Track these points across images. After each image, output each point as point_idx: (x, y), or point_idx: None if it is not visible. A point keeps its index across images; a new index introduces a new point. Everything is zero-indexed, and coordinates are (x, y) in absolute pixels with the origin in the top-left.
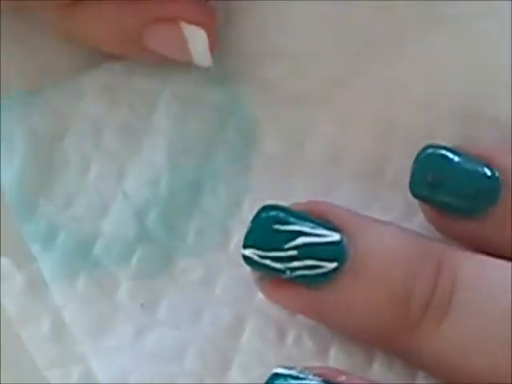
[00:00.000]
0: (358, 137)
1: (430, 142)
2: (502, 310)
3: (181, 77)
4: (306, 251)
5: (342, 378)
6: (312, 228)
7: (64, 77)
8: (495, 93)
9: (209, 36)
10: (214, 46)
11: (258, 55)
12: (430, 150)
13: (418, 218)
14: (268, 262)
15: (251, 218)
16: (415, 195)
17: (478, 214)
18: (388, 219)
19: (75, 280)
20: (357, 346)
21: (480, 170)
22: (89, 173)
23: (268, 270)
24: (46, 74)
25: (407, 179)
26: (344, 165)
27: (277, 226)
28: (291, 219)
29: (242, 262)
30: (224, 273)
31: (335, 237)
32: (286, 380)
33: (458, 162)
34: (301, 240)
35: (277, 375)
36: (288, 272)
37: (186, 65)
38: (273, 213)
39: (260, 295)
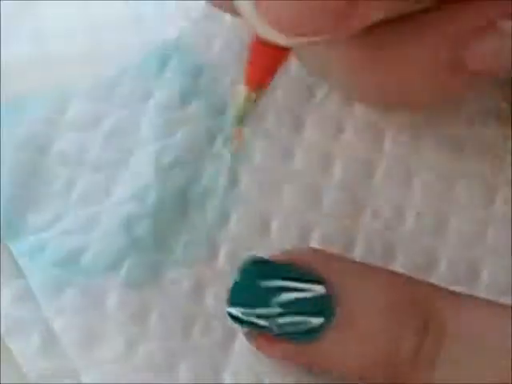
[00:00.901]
0: (346, 147)
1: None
2: (490, 362)
3: (162, 95)
4: (290, 307)
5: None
6: (295, 282)
7: (50, 89)
8: None
9: None
10: None
11: None
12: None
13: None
14: (254, 319)
15: (239, 230)
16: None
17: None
18: (376, 226)
19: (63, 292)
20: None
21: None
22: (75, 186)
23: (254, 326)
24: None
25: (396, 185)
26: (332, 175)
27: (260, 283)
28: (274, 274)
29: (230, 274)
30: (212, 285)
31: (320, 290)
32: None
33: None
34: (284, 296)
35: None
36: (275, 328)
37: None
38: (255, 268)
39: None
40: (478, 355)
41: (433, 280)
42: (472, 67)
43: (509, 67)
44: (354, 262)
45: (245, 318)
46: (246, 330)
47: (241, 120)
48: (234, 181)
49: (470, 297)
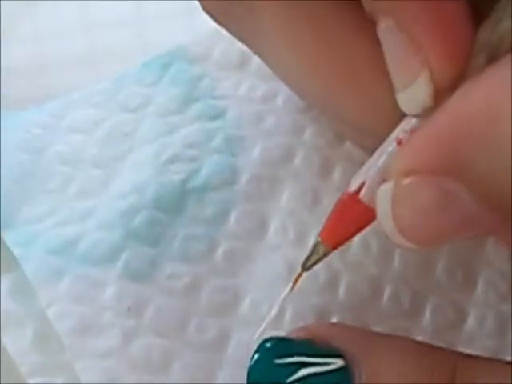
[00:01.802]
0: (347, 149)
1: None
2: None
3: (161, 100)
4: (310, 382)
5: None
6: (314, 357)
7: (51, 92)
8: None
9: None
10: None
11: None
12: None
13: None
14: None
15: (238, 228)
16: None
17: None
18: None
19: (60, 280)
20: None
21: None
22: (73, 184)
23: None
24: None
25: None
26: (332, 178)
27: (278, 361)
28: (292, 351)
29: (228, 271)
30: (209, 282)
31: (339, 363)
32: None
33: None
34: (303, 372)
35: None
36: None
37: None
38: (273, 346)
39: (245, 303)
40: None
41: None
42: None
43: None
44: (375, 334)
45: None
46: None
47: (304, 267)
48: (233, 177)
49: (491, 360)
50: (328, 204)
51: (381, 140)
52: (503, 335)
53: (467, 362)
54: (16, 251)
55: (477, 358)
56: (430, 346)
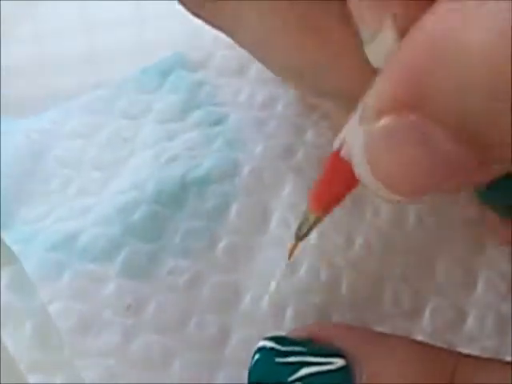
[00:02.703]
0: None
1: None
2: None
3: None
4: (311, 382)
5: None
6: (315, 357)
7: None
8: None
9: None
10: None
11: None
12: None
13: None
14: None
15: (239, 222)
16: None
17: None
18: (378, 222)
19: (60, 276)
20: None
21: None
22: (72, 185)
23: None
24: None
25: None
26: None
27: (278, 359)
28: (292, 350)
29: (229, 267)
30: (210, 278)
31: (340, 363)
32: None
33: None
34: (304, 371)
35: None
36: None
37: None
38: (274, 345)
39: (246, 300)
40: None
41: None
42: None
43: None
44: (376, 334)
45: None
46: None
47: (298, 237)
48: (234, 171)
49: (491, 361)
50: None
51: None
52: (503, 335)
53: (467, 363)
54: (15, 248)
55: (477, 358)
56: (430, 347)
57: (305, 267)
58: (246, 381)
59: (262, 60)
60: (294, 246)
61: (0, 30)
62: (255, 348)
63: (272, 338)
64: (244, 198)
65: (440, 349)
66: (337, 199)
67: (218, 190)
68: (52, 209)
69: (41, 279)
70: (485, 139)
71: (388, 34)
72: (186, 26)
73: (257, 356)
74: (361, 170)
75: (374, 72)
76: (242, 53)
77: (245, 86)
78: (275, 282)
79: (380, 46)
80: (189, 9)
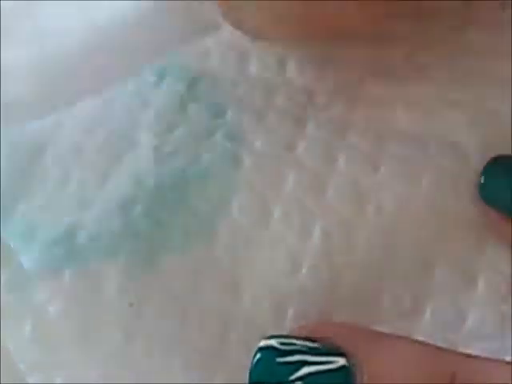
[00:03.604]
0: (351, 139)
1: None
2: None
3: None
4: (311, 381)
5: None
6: (316, 356)
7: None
8: None
9: None
10: None
11: None
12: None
13: None
14: None
15: (240, 217)
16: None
17: None
18: (379, 221)
19: (61, 273)
20: None
21: None
22: (69, 183)
23: None
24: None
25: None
26: (338, 163)
27: (279, 359)
28: (293, 350)
29: (229, 266)
30: (210, 275)
31: (341, 362)
32: None
33: None
34: (305, 370)
35: None
36: None
37: None
38: (275, 345)
39: (246, 298)
40: None
41: None
42: None
43: None
44: (377, 334)
45: None
46: None
47: None
48: (235, 166)
49: (491, 361)
50: (333, 192)
51: None
52: (503, 335)
53: (467, 363)
54: (14, 244)
55: (477, 358)
56: (431, 347)
57: (305, 267)
58: (246, 381)
59: None
60: None
61: (0, 30)
62: (256, 348)
63: (273, 337)
64: (245, 192)
65: (440, 349)
66: None
67: (218, 184)
68: (51, 202)
69: (40, 277)
70: None
71: None
72: (183, 24)
73: (258, 355)
74: None
75: None
76: (241, 46)
77: (244, 80)
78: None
79: None
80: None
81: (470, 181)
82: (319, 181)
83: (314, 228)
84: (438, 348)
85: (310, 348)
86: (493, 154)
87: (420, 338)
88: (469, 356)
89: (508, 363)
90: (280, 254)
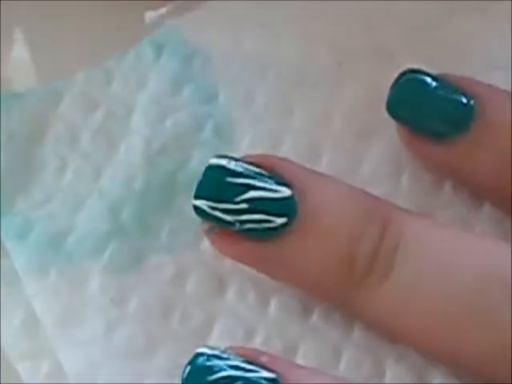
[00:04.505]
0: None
1: None
2: (441, 274)
3: (157, 81)
4: (256, 205)
5: (264, 359)
6: (264, 182)
7: (43, 82)
8: None
9: None
10: None
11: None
12: (409, 75)
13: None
14: (218, 213)
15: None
16: (393, 116)
17: (449, 138)
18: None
19: (46, 273)
20: (324, 345)
21: (456, 96)
22: (65, 173)
23: (218, 221)
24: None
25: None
26: (320, 163)
27: (228, 179)
28: (243, 172)
29: (214, 261)
30: (195, 272)
31: (286, 192)
32: (208, 359)
33: (435, 87)
34: (252, 194)
35: (200, 354)
36: (237, 225)
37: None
38: (225, 164)
39: (230, 295)
40: (429, 267)
41: None
42: None
43: None
44: (319, 173)
45: (210, 211)
46: (207, 226)
47: None
48: None
49: (424, 215)
50: None
51: None
52: None
53: (400, 213)
54: (8, 242)
55: (410, 211)
56: (366, 192)
57: None
58: None
59: None
60: None
61: (0, 30)
62: (208, 166)
63: (224, 157)
64: None
65: (376, 197)
66: None
67: None
68: (46, 198)
69: (28, 275)
70: None
71: None
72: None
73: (208, 172)
74: None
75: None
76: (236, 25)
77: (237, 57)
78: None
79: None
80: None
81: None
82: None
83: None
84: (374, 196)
85: (258, 174)
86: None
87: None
88: (402, 208)
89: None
90: None
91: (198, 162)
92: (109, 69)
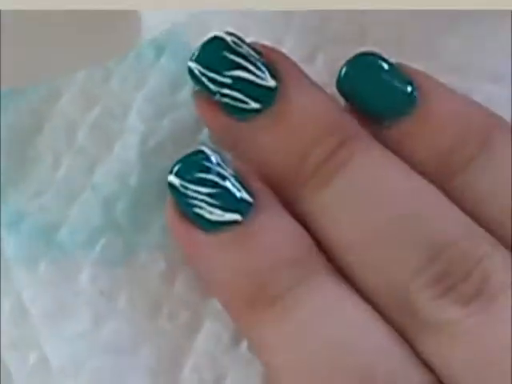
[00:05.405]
0: None
1: None
2: (378, 197)
3: (155, 81)
4: (239, 84)
5: (258, 185)
6: (255, 68)
7: (42, 79)
8: None
9: None
10: None
11: None
12: (364, 56)
13: None
14: (204, 79)
15: None
16: (339, 91)
17: (388, 122)
18: None
19: (36, 265)
20: None
21: (401, 84)
22: (60, 167)
23: (203, 86)
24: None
25: None
26: None
27: (225, 53)
28: (241, 52)
29: None
30: (184, 270)
31: (271, 83)
32: (205, 159)
33: (386, 71)
34: (239, 73)
35: (200, 152)
36: (218, 95)
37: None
38: (228, 40)
39: None
40: (369, 191)
41: None
42: None
43: None
44: (311, 80)
45: (199, 75)
46: (196, 89)
47: None
48: None
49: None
50: None
51: None
52: None
53: (364, 137)
54: (0, 234)
55: (374, 141)
56: (343, 109)
57: None
58: (215, 370)
59: None
60: None
61: (0, 31)
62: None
63: (232, 34)
64: None
65: (351, 118)
66: None
67: None
68: (38, 192)
69: (18, 266)
70: None
71: None
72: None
73: (209, 42)
74: None
75: None
76: (239, 24)
77: None
78: None
79: None
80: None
81: None
82: None
83: None
84: (351, 116)
85: (255, 59)
86: None
87: None
88: (372, 139)
89: None
90: None
91: None
92: (109, 68)
